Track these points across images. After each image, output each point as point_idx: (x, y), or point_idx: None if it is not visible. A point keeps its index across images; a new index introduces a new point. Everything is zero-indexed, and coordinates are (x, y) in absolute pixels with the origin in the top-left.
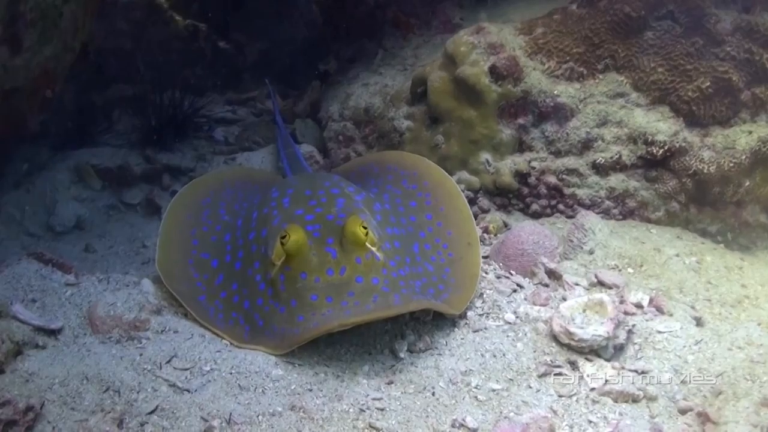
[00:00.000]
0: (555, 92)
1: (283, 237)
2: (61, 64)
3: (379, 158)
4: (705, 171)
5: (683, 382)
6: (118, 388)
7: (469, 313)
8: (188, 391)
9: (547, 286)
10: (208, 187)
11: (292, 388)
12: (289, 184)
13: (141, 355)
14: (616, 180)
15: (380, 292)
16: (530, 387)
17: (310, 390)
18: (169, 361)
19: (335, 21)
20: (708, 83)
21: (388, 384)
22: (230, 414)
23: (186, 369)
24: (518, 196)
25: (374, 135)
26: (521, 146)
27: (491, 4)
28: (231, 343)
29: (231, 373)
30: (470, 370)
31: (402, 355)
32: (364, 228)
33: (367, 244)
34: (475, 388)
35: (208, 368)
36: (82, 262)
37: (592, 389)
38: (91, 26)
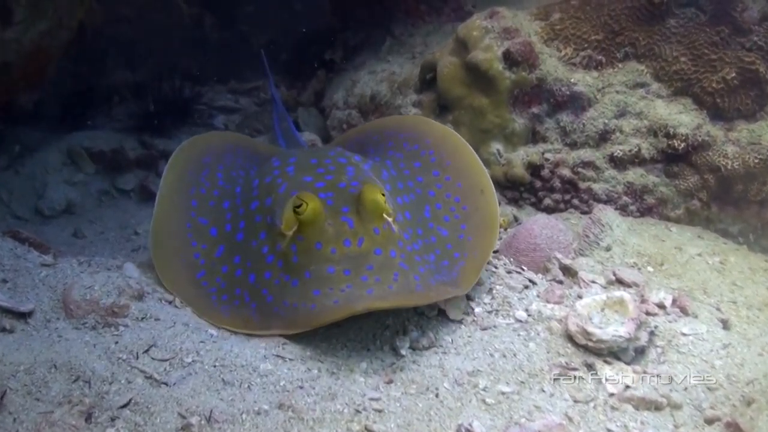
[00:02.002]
0: (571, 80)
1: (298, 205)
2: (56, 42)
3: (378, 125)
4: (729, 167)
5: (710, 388)
6: (89, 379)
7: (477, 310)
8: (166, 384)
9: (561, 282)
10: (209, 146)
11: (282, 384)
12: (291, 153)
13: (116, 343)
14: (634, 174)
15: (399, 269)
16: (543, 391)
17: (301, 387)
18: (146, 351)
19: (343, 8)
20: (733, 74)
21: (388, 383)
22: (211, 411)
23: (165, 360)
24: (530, 190)
25: None
26: (535, 137)
27: None
28: (237, 332)
29: (215, 366)
30: (478, 370)
31: (404, 352)
32: (383, 195)
33: (384, 214)
34: (483, 390)
35: (189, 360)
36: (69, 247)
37: (611, 395)
38: (90, 5)
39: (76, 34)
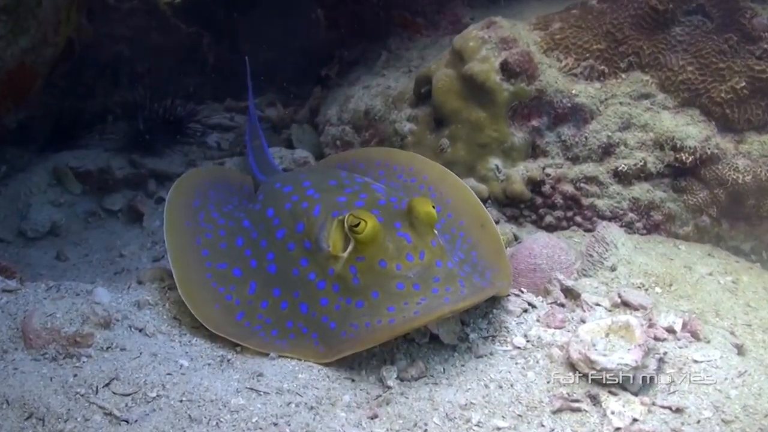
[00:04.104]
0: (573, 92)
1: (356, 224)
2: (41, 59)
3: (363, 154)
4: (740, 181)
5: (725, 421)
6: (43, 416)
7: (472, 336)
8: (126, 421)
9: (562, 306)
10: (193, 188)
11: (254, 421)
12: (297, 178)
13: (75, 375)
14: (640, 190)
15: (461, 276)
16: (543, 425)
17: (275, 424)
18: (107, 385)
19: (339, 23)
20: (743, 84)
21: (371, 418)
22: None
23: (127, 394)
24: (531, 207)
25: (375, 140)
26: (535, 151)
27: (504, 4)
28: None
29: (181, 401)
30: (471, 403)
31: (391, 383)
32: (434, 207)
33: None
34: (477, 425)
35: (153, 394)
36: (50, 271)
37: (617, 429)
38: (78, 22)
39: (64, 52)
